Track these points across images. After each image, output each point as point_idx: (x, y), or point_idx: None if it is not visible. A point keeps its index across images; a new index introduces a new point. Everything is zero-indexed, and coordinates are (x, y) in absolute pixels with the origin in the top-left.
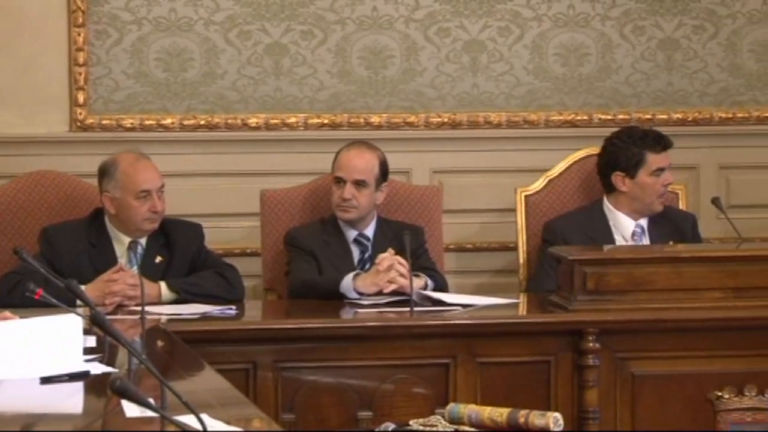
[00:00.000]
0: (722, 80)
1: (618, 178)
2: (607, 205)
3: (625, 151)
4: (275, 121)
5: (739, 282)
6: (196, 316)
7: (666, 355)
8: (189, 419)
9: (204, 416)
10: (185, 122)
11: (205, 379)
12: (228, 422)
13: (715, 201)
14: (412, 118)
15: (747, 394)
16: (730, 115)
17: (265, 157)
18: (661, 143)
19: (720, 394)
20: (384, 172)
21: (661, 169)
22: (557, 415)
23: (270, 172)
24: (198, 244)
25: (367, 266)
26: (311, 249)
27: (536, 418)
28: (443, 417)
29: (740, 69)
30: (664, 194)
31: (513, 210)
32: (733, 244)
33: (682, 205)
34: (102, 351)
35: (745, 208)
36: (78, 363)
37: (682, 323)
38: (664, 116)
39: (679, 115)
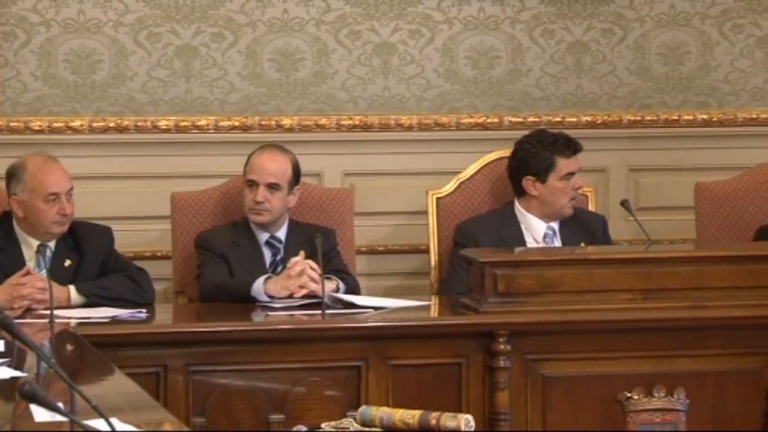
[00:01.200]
0: (631, 83)
1: (529, 183)
2: (518, 208)
3: (536, 155)
4: (185, 123)
5: (648, 283)
6: (106, 320)
7: (576, 356)
8: (99, 423)
9: (114, 420)
10: (94, 125)
11: (115, 383)
12: (138, 426)
13: (625, 203)
14: (323, 121)
15: (656, 394)
16: (639, 118)
17: (175, 160)
18: (571, 148)
19: (629, 395)
20: (296, 175)
21: (571, 174)
22: (468, 416)
23: (180, 175)
24: (108, 248)
25: (279, 269)
26: (222, 252)
27: (447, 419)
28: (355, 419)
29: (648, 72)
30: (575, 198)
31: (424, 212)
32: (642, 246)
33: (592, 208)
34: (10, 355)
35: (653, 210)
36: None
37: (592, 325)
38: (574, 119)
39: (588, 118)
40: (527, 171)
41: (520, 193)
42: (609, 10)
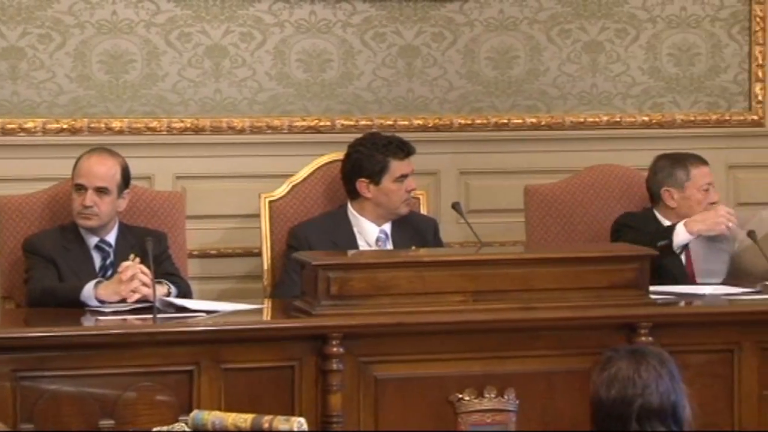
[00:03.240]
0: (461, 87)
1: (362, 185)
2: (352, 211)
3: (369, 158)
4: (12, 126)
5: (478, 285)
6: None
7: (408, 358)
8: None
9: None
10: None
11: None
12: None
13: (456, 206)
14: (154, 124)
15: (487, 395)
16: (469, 122)
17: (2, 163)
18: (404, 150)
19: (461, 396)
20: (126, 178)
21: (405, 176)
22: (301, 419)
23: (7, 178)
24: None
25: (110, 273)
26: (51, 256)
27: (280, 423)
28: (187, 424)
29: (478, 76)
30: (408, 200)
31: (257, 215)
32: (472, 249)
33: (423, 210)
34: None
35: (484, 213)
36: None
37: (423, 326)
38: (406, 122)
39: (419, 122)
40: (361, 173)
41: (354, 195)
42: (440, 14)
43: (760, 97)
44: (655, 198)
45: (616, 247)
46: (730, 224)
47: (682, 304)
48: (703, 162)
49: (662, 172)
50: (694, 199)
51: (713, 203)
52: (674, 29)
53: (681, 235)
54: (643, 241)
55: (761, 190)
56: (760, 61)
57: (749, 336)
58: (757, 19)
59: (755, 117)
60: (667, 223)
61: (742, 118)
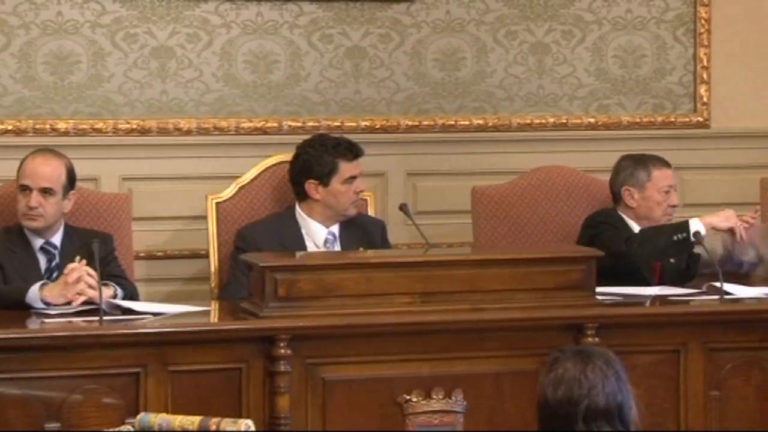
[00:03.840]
0: (408, 89)
1: (311, 186)
2: (300, 213)
3: (318, 159)
4: None
5: (426, 287)
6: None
7: (356, 360)
8: None
9: None
10: None
11: None
12: None
13: (403, 207)
14: (99, 125)
15: (434, 397)
16: (417, 123)
17: None
18: (353, 151)
19: (408, 397)
20: (71, 179)
21: (354, 177)
22: (249, 421)
23: None
24: None
25: (55, 275)
26: None
27: (228, 425)
28: (133, 427)
29: (425, 78)
30: (356, 201)
31: (204, 217)
32: (420, 250)
33: (371, 212)
34: None
35: (431, 214)
36: None
37: (371, 328)
38: (353, 124)
39: (366, 123)
40: (310, 175)
41: (302, 197)
42: (386, 15)
43: (705, 99)
44: (616, 197)
45: (562, 248)
46: (745, 222)
47: (629, 304)
48: (665, 164)
49: (624, 172)
50: (654, 200)
51: (673, 206)
52: (620, 31)
53: (695, 225)
54: (617, 238)
55: (707, 191)
56: (705, 63)
57: (695, 336)
58: (702, 21)
59: (700, 119)
60: (630, 222)
61: (687, 119)
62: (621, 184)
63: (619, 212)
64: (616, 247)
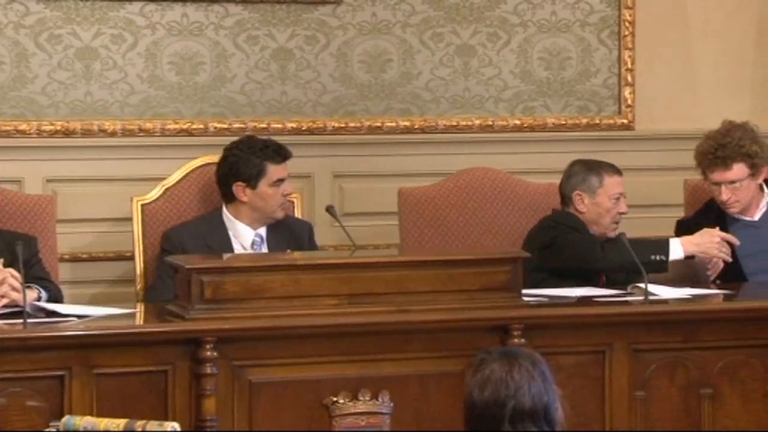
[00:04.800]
0: (335, 90)
1: (239, 189)
2: (227, 215)
3: (246, 161)
4: None
5: (353, 288)
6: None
7: (283, 362)
8: None
9: None
10: None
11: None
12: None
13: (330, 209)
14: (23, 126)
15: (361, 398)
16: (343, 125)
17: None
18: (282, 154)
19: (335, 399)
20: None
21: (281, 180)
22: (175, 424)
23: None
24: None
25: None
26: None
27: (153, 427)
28: (58, 429)
29: (352, 79)
30: (284, 204)
31: (129, 219)
32: (347, 252)
33: (297, 214)
34: None
35: (358, 216)
36: None
37: (298, 330)
38: (279, 125)
39: (293, 125)
40: (237, 177)
41: (229, 199)
42: (312, 17)
43: (629, 101)
44: (566, 201)
45: (488, 249)
46: (724, 256)
47: (554, 306)
48: (617, 172)
49: (576, 177)
50: (604, 207)
51: (622, 213)
52: (545, 33)
53: (675, 254)
54: (590, 242)
55: (632, 193)
56: (630, 66)
57: (620, 337)
58: (626, 24)
59: (625, 121)
60: None
61: (612, 121)
62: (572, 188)
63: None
64: (588, 252)
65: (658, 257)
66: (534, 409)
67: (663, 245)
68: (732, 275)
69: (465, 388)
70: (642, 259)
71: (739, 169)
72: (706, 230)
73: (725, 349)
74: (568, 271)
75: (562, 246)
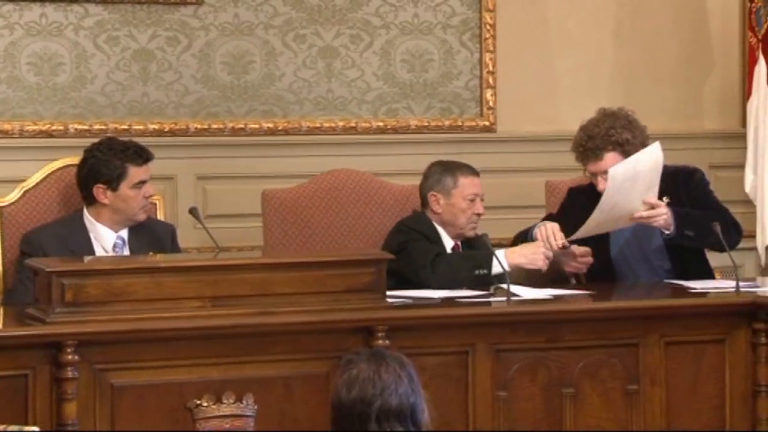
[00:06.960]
0: (197, 92)
1: (99, 191)
2: (88, 217)
3: (107, 163)
4: None
5: (217, 291)
6: None
7: (146, 365)
8: None
9: None
10: None
11: None
12: None
13: (193, 211)
14: None
15: (225, 401)
16: (206, 126)
17: None
18: (143, 156)
19: (199, 402)
20: None
21: (143, 182)
22: (35, 429)
23: None
24: None
25: None
26: None
27: None
28: None
29: (214, 80)
30: (146, 206)
31: None
32: (210, 254)
33: (160, 216)
34: None
35: (222, 218)
36: None
37: (161, 333)
38: (141, 127)
39: (155, 126)
40: (98, 179)
41: (90, 201)
42: (174, 18)
43: (491, 104)
44: (423, 202)
45: (352, 251)
46: (548, 253)
47: (418, 307)
48: (473, 172)
49: (432, 178)
50: (459, 207)
51: (478, 214)
52: (407, 36)
53: (499, 267)
54: (425, 256)
55: (493, 194)
56: (491, 68)
57: (482, 337)
58: (488, 27)
59: (487, 123)
60: (439, 229)
61: (474, 123)
62: (428, 189)
63: (428, 216)
64: (419, 266)
65: (481, 272)
66: (400, 408)
67: (487, 259)
68: (601, 275)
69: (333, 388)
70: (467, 275)
71: (611, 158)
72: (531, 243)
73: (586, 348)
74: (410, 282)
75: (406, 256)
